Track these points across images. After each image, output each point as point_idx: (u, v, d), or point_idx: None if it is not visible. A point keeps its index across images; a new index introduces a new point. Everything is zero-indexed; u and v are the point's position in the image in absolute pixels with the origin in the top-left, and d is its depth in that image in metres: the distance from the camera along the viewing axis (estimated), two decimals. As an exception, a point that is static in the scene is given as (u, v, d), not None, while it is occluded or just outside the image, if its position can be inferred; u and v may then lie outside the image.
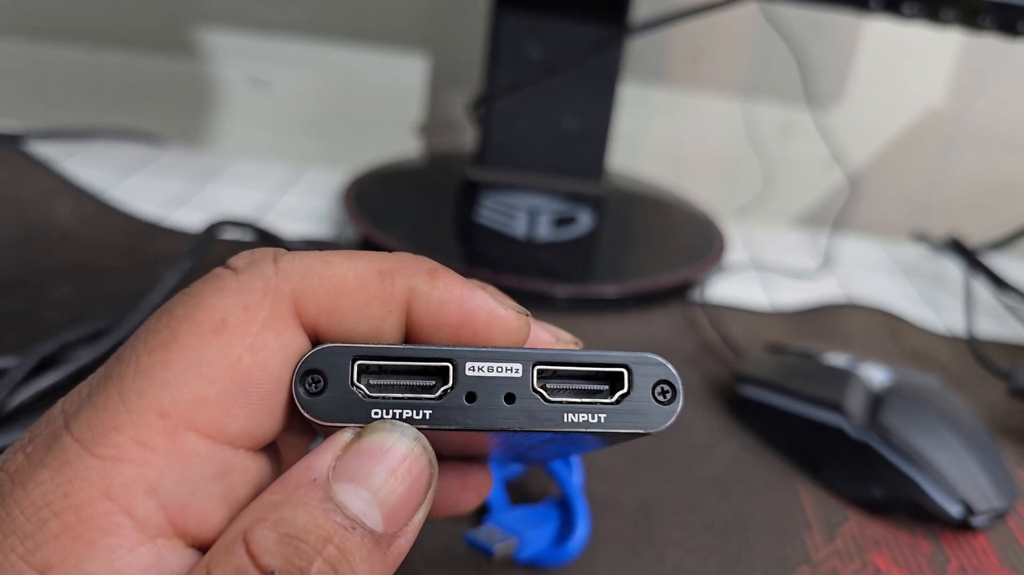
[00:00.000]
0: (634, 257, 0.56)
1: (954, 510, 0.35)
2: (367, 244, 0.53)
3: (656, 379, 0.20)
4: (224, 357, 0.19)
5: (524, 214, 0.57)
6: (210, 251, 0.48)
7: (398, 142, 0.78)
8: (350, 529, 0.18)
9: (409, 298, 0.20)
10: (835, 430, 0.38)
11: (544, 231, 0.56)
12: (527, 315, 0.21)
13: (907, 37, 0.72)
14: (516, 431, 0.20)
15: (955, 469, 0.36)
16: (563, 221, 0.57)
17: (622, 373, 0.20)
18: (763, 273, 0.60)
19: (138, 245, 0.52)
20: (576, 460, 0.35)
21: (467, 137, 0.74)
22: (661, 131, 0.77)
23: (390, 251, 0.46)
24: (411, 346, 0.20)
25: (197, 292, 0.20)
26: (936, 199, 0.80)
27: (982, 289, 0.61)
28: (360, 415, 0.19)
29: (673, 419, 0.20)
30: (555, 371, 0.20)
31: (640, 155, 0.78)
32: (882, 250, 0.67)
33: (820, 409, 0.38)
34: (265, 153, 0.78)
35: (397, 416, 0.19)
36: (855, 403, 0.38)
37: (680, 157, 0.78)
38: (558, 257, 0.53)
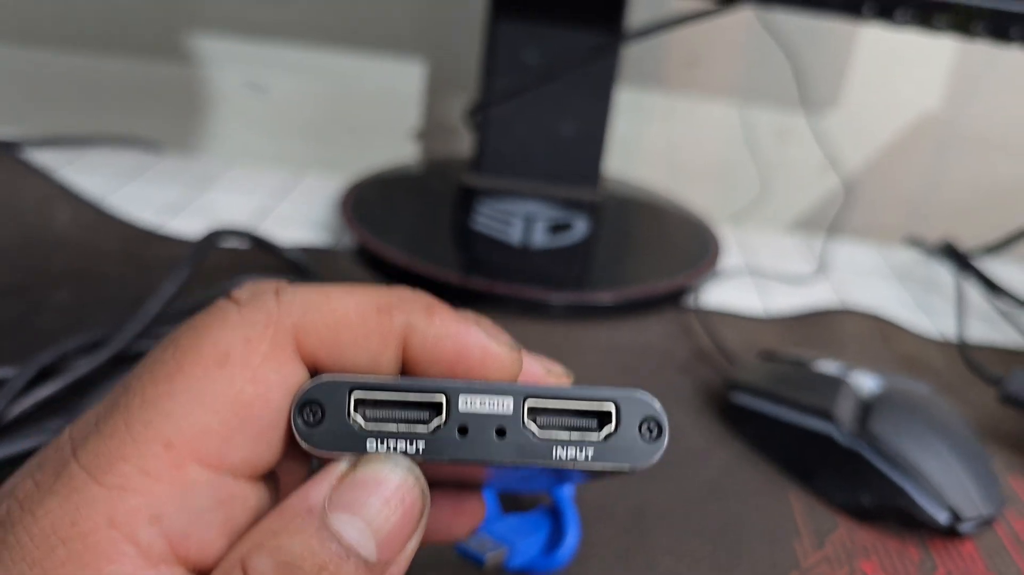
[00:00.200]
0: (629, 263, 0.56)
1: (942, 517, 0.36)
2: (363, 251, 0.54)
3: (643, 417, 0.21)
4: (227, 389, 0.19)
5: (520, 221, 0.58)
6: (208, 259, 0.49)
7: (396, 148, 0.78)
8: (345, 557, 0.19)
9: (406, 333, 0.21)
10: (825, 438, 0.38)
11: (540, 238, 0.56)
12: (519, 351, 0.22)
13: (902, 42, 0.72)
14: (506, 464, 0.20)
15: (943, 476, 0.37)
16: (559, 227, 0.58)
17: (610, 412, 0.21)
18: (758, 278, 0.60)
19: (136, 252, 0.52)
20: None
21: (464, 142, 0.74)
22: (658, 136, 0.78)
23: (386, 261, 0.47)
24: (406, 379, 0.21)
25: (202, 324, 0.20)
26: (932, 203, 0.80)
27: (975, 294, 0.62)
28: (356, 446, 0.20)
29: (658, 456, 0.21)
30: (545, 407, 0.21)
31: (637, 160, 0.78)
32: (877, 255, 0.67)
33: (810, 417, 0.39)
34: (263, 158, 0.79)
35: (392, 447, 0.20)
36: (845, 411, 0.39)
37: (677, 162, 0.79)
38: (554, 264, 0.54)
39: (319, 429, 0.20)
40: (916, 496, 0.36)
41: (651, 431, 0.21)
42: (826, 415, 0.38)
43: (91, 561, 0.18)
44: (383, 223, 0.56)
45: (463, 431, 0.20)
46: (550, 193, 0.62)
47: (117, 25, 0.76)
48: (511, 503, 0.36)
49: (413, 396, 0.20)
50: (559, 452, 0.21)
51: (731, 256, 0.63)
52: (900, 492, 0.36)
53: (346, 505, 0.19)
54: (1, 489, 0.20)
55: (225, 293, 0.21)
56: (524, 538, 0.32)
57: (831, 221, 0.69)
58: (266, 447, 0.20)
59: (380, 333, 0.21)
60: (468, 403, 0.20)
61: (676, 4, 0.57)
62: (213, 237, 0.48)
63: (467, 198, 0.61)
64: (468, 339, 0.21)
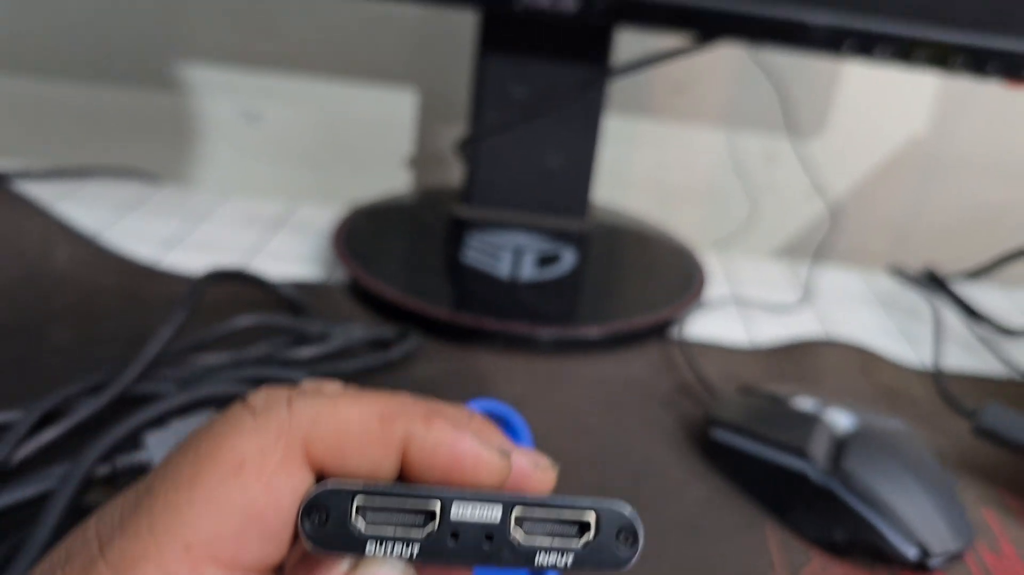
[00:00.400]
0: (616, 296, 0.58)
1: (911, 552, 0.38)
2: (355, 287, 0.55)
3: (620, 526, 0.23)
4: (241, 496, 0.21)
5: (509, 254, 0.60)
6: (205, 297, 0.50)
7: (388, 175, 0.80)
8: None
9: (406, 440, 0.23)
10: (800, 475, 0.40)
11: (528, 271, 0.58)
12: (508, 456, 0.24)
13: (887, 68, 0.74)
14: (494, 567, 0.23)
15: (913, 513, 0.38)
16: (547, 260, 0.60)
17: (589, 521, 0.23)
18: (743, 308, 0.62)
19: (134, 289, 0.54)
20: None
21: (455, 170, 0.76)
22: (646, 161, 0.80)
23: (378, 296, 0.48)
24: (404, 486, 0.23)
25: (219, 431, 0.22)
26: (917, 227, 0.82)
27: (956, 320, 0.64)
28: (356, 547, 0.22)
29: (634, 561, 0.23)
30: (530, 515, 0.23)
31: (626, 185, 0.80)
32: (861, 281, 0.69)
33: (786, 455, 0.41)
34: (258, 187, 0.80)
35: (389, 550, 0.22)
36: (819, 449, 0.40)
37: (665, 186, 0.81)
38: (542, 298, 0.55)
39: (323, 531, 0.22)
40: (886, 532, 0.38)
41: (627, 539, 0.23)
42: (801, 453, 0.40)
43: None
44: (375, 257, 0.58)
45: (455, 536, 0.22)
46: (539, 224, 0.64)
47: (113, 56, 0.78)
48: None
49: (410, 503, 0.22)
50: (542, 557, 0.23)
51: (717, 285, 0.64)
52: (871, 528, 0.38)
53: None
54: None
55: (241, 398, 0.24)
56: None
57: (816, 247, 0.71)
58: (276, 546, 0.22)
59: (382, 441, 0.23)
60: (460, 511, 0.22)
61: (658, 40, 0.59)
62: (209, 278, 0.50)
63: (457, 230, 0.62)
64: (462, 447, 0.23)
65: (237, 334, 0.48)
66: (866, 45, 0.52)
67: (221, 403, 0.39)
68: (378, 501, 0.22)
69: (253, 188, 0.80)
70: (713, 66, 0.76)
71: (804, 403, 0.43)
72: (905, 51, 0.52)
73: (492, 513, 0.22)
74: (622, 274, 0.62)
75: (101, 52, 0.78)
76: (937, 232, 0.82)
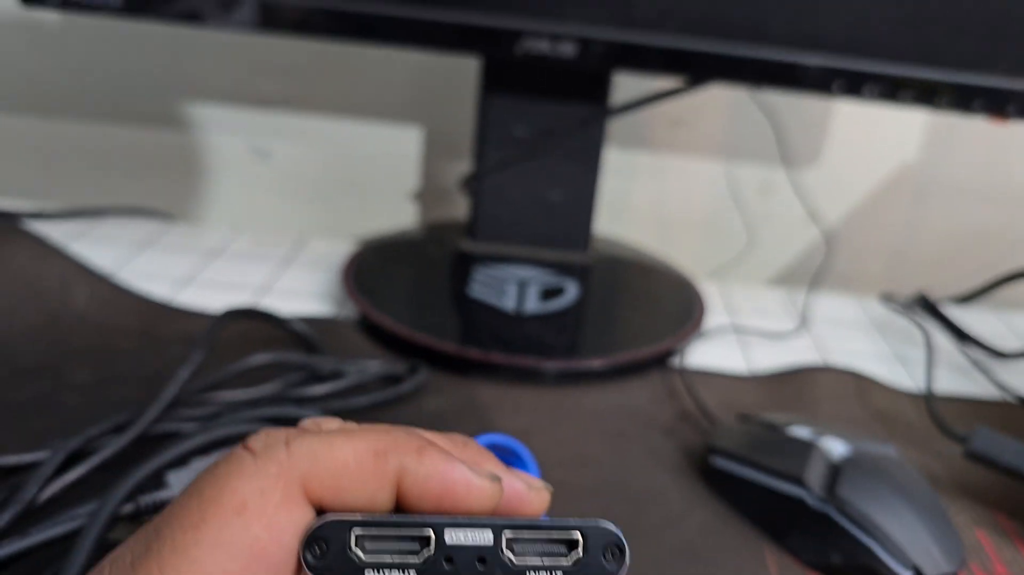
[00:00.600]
0: (618, 327, 0.59)
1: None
2: (365, 322, 0.57)
3: (606, 543, 0.24)
4: (245, 536, 0.23)
5: (514, 286, 0.61)
6: (220, 336, 0.52)
7: (395, 209, 0.82)
8: None
9: (400, 474, 0.24)
10: (797, 501, 0.41)
11: (532, 304, 0.59)
12: (499, 481, 0.25)
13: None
14: None
15: (907, 537, 0.39)
16: (551, 293, 0.61)
17: (577, 539, 0.24)
18: (742, 335, 0.63)
19: (151, 327, 0.55)
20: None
21: (461, 204, 0.78)
22: (645, 193, 0.81)
23: (387, 332, 0.49)
24: (399, 516, 0.24)
25: (223, 474, 0.24)
26: (911, 252, 0.83)
27: (949, 344, 0.65)
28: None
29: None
30: (520, 537, 0.24)
31: (626, 216, 0.81)
32: (857, 307, 0.70)
33: (783, 481, 0.42)
34: (268, 222, 0.82)
35: None
36: (815, 475, 0.42)
37: (664, 217, 0.82)
38: (546, 331, 0.57)
39: (324, 562, 0.23)
40: (882, 555, 0.39)
41: (614, 554, 0.24)
42: (798, 480, 0.41)
43: None
44: (383, 292, 0.59)
45: (449, 560, 0.24)
46: (542, 257, 0.65)
47: (125, 96, 0.80)
48: None
49: (406, 531, 0.24)
50: None
51: (716, 314, 0.66)
52: (867, 552, 0.39)
53: None
54: None
55: (241, 439, 0.25)
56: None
57: (813, 274, 0.72)
58: None
59: (376, 475, 0.24)
60: (453, 536, 0.24)
61: (655, 79, 0.60)
62: (224, 318, 0.51)
63: (463, 264, 0.64)
64: (453, 475, 0.24)
65: (252, 371, 0.49)
66: (855, 85, 0.54)
67: (239, 442, 0.40)
68: (375, 531, 0.24)
69: (264, 223, 0.82)
70: (709, 100, 0.77)
71: (800, 431, 0.44)
72: (892, 90, 0.54)
73: (483, 537, 0.24)
74: (624, 305, 0.63)
75: (114, 93, 0.80)
76: (930, 257, 0.83)
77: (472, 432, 0.47)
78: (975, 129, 0.78)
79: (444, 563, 0.24)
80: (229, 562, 0.22)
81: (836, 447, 0.43)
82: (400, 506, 0.25)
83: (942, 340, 0.66)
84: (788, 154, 0.76)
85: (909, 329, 0.67)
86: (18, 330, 0.53)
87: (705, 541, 0.42)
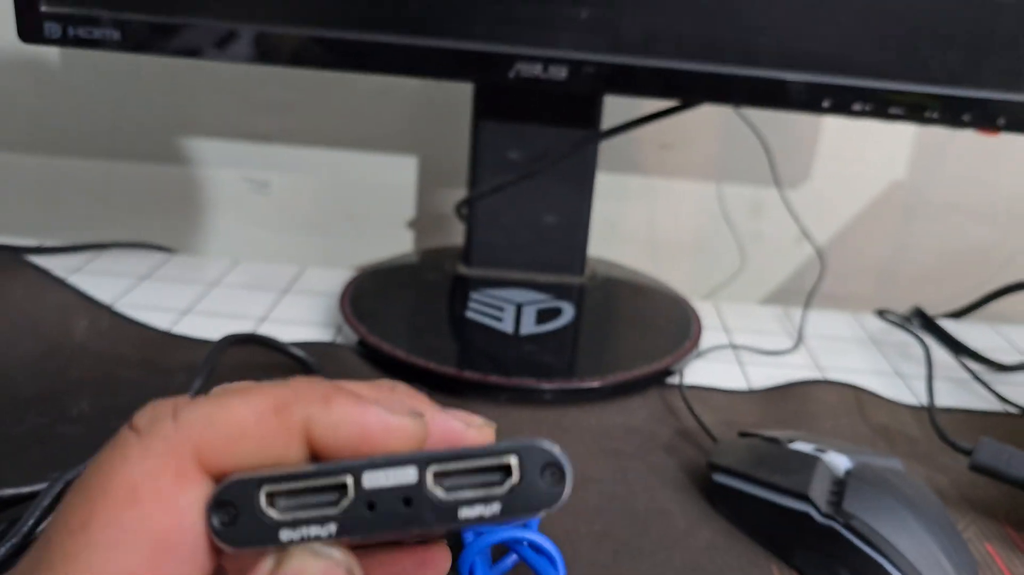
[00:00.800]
0: (615, 347, 0.58)
1: (915, 589, 0.38)
2: (364, 346, 0.56)
3: (544, 462, 0.22)
4: (141, 526, 0.20)
5: (511, 308, 0.60)
6: (220, 364, 0.51)
7: (392, 238, 0.81)
8: None
9: (307, 426, 0.22)
10: (803, 517, 0.40)
11: (529, 326, 0.58)
12: (422, 416, 0.23)
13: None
14: (420, 530, 0.21)
15: (915, 550, 0.38)
16: (547, 314, 0.60)
17: (511, 464, 0.22)
18: (739, 352, 0.62)
19: (151, 356, 0.54)
20: (558, 555, 0.37)
21: (457, 232, 0.77)
22: (638, 215, 0.81)
23: (386, 355, 0.48)
24: (312, 466, 0.21)
25: (106, 462, 0.21)
26: (903, 268, 0.83)
27: (947, 357, 0.64)
28: (271, 538, 0.21)
29: (564, 496, 0.22)
30: (448, 469, 0.22)
31: (620, 238, 0.81)
32: (853, 322, 0.69)
33: (788, 498, 0.41)
34: (266, 253, 0.81)
35: (305, 535, 0.21)
36: (820, 490, 0.40)
37: (658, 239, 0.81)
38: (544, 351, 0.56)
39: (234, 529, 0.21)
40: (891, 570, 0.38)
41: (554, 475, 0.22)
42: (803, 495, 0.40)
43: None
44: (381, 317, 0.58)
45: (371, 506, 0.21)
46: (538, 280, 0.64)
47: (125, 133, 0.79)
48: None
49: (321, 481, 0.21)
50: (466, 511, 0.21)
51: (713, 332, 0.65)
52: (876, 567, 0.38)
53: None
54: None
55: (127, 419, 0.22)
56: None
57: (807, 292, 0.71)
58: (197, 564, 0.21)
59: (281, 432, 0.21)
60: (372, 479, 0.21)
61: (646, 101, 0.60)
62: (223, 344, 0.50)
63: (460, 288, 0.63)
64: (367, 419, 0.22)
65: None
66: (844, 102, 0.53)
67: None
68: (286, 485, 0.21)
69: (262, 254, 0.81)
70: (699, 122, 0.77)
71: (803, 446, 0.43)
72: (882, 106, 0.53)
73: (406, 475, 0.21)
74: (621, 325, 0.62)
75: (114, 129, 0.79)
76: (922, 273, 0.82)
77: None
78: (963, 146, 0.78)
79: (367, 510, 0.21)
80: (130, 559, 0.19)
81: (840, 461, 0.42)
82: (316, 458, 0.22)
83: (940, 354, 0.65)
84: (778, 174, 0.75)
85: (906, 344, 0.66)
86: (18, 361, 0.52)
87: (711, 560, 0.41)
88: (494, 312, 0.60)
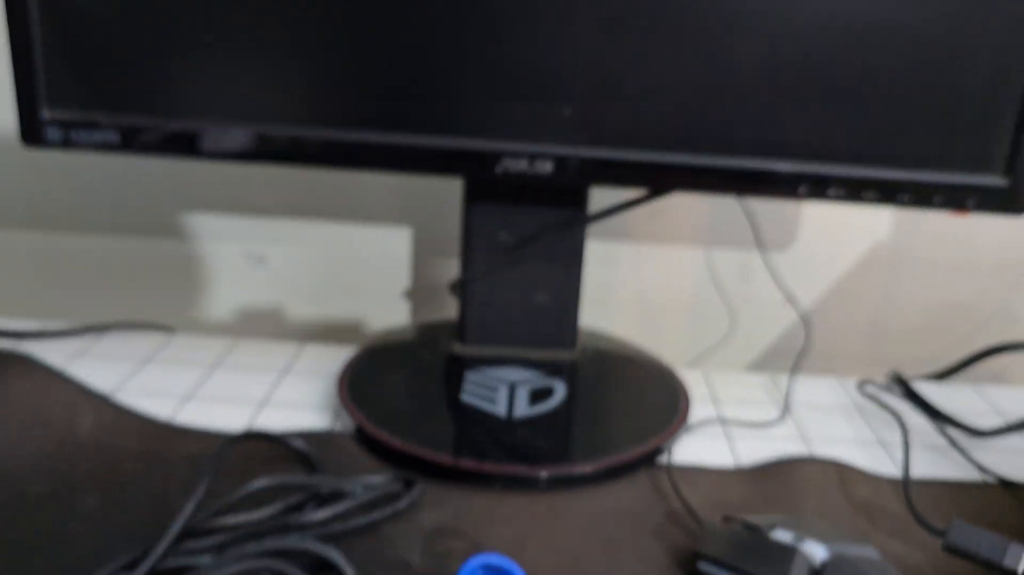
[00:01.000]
0: (606, 427, 0.60)
1: None
2: (361, 433, 0.58)
3: None
4: None
5: (504, 389, 0.62)
6: (222, 467, 0.53)
7: (390, 308, 0.83)
8: None
9: None
10: (783, 609, 0.42)
11: (522, 408, 0.60)
12: None
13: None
14: None
15: (890, 641, 0.40)
16: (540, 394, 0.62)
17: None
18: (727, 426, 0.64)
19: (155, 449, 0.56)
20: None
21: (452, 301, 0.79)
22: (629, 281, 0.83)
23: (382, 443, 0.50)
24: None
25: None
26: (888, 327, 0.85)
27: (928, 424, 0.66)
28: None
29: None
30: None
31: (611, 305, 0.83)
32: (838, 387, 0.72)
33: (768, 590, 0.43)
34: (267, 326, 0.83)
35: None
36: (799, 583, 0.42)
37: (648, 304, 0.84)
38: (537, 436, 0.58)
39: None
40: (866, 662, 0.40)
41: None
42: (782, 588, 0.42)
43: None
44: (378, 403, 0.60)
45: None
46: (531, 357, 0.66)
47: (124, 210, 0.81)
48: None
49: None
50: None
51: (702, 405, 0.67)
52: (852, 659, 0.40)
53: None
54: None
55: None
56: None
57: (794, 359, 0.73)
58: None
59: None
60: None
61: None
62: (226, 446, 0.52)
63: (455, 367, 0.65)
64: None
65: (254, 495, 0.50)
66: (820, 188, 0.56)
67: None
68: None
69: (262, 327, 0.83)
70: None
71: (783, 535, 0.45)
72: (856, 191, 0.55)
73: None
74: (611, 402, 0.64)
75: (113, 207, 0.82)
76: (907, 330, 0.85)
77: (467, 547, 0.48)
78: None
79: None
80: None
81: (817, 551, 0.44)
82: None
83: (920, 421, 0.67)
84: (763, 239, 0.78)
85: (888, 409, 0.68)
86: (26, 459, 0.54)
87: (697, 650, 0.43)
88: (488, 393, 0.62)
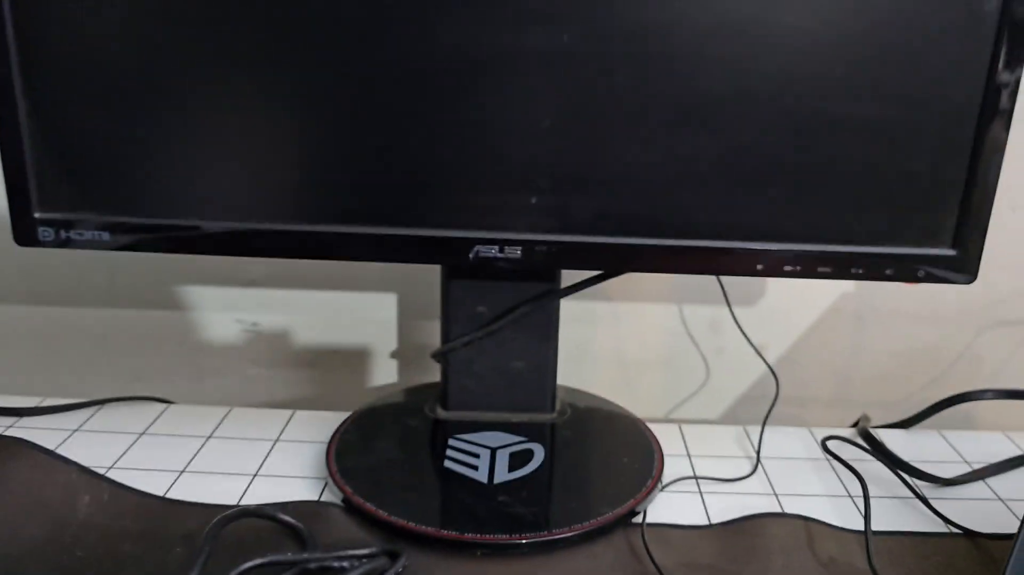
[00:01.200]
0: (584, 490, 0.62)
1: None
2: (348, 504, 0.60)
3: None
4: None
5: (486, 457, 0.64)
6: (216, 547, 0.55)
7: (379, 368, 0.85)
8: None
9: None
10: None
11: (503, 472, 0.62)
12: None
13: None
14: None
15: None
16: (520, 457, 0.64)
17: None
18: (700, 482, 0.66)
19: (151, 528, 0.58)
20: None
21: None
22: (605, 339, 0.85)
23: (368, 514, 0.51)
24: None
25: None
26: (857, 372, 0.87)
27: (892, 476, 0.68)
28: None
29: None
30: None
31: (588, 361, 0.85)
32: (808, 437, 0.74)
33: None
34: (260, 390, 0.85)
35: None
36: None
37: (626, 358, 0.86)
38: (517, 502, 0.59)
39: None
40: None
41: None
42: (747, 657, 0.44)
43: None
44: (364, 475, 0.62)
45: None
46: (511, 420, 0.68)
47: (120, 283, 0.83)
48: None
49: None
50: None
51: (676, 460, 0.69)
52: None
53: None
54: None
55: None
56: None
57: (767, 410, 0.75)
58: None
59: None
60: None
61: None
62: (217, 527, 0.54)
63: (439, 433, 0.67)
64: None
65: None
66: (776, 265, 0.58)
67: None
68: None
69: (256, 392, 0.85)
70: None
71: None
72: (811, 267, 0.58)
73: None
74: (588, 464, 0.66)
75: (107, 280, 0.83)
76: (875, 375, 0.87)
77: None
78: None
79: None
80: None
81: (781, 620, 0.46)
82: None
83: (886, 472, 0.69)
84: (734, 291, 0.80)
85: (855, 462, 0.70)
86: (25, 545, 0.55)
87: None
88: (470, 460, 0.64)
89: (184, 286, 0.83)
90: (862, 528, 0.61)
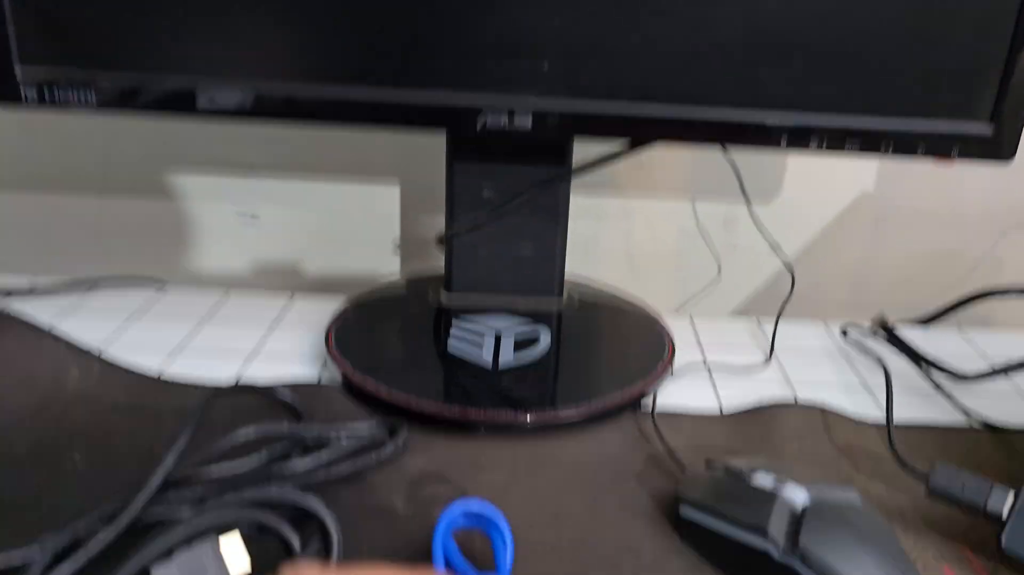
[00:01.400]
0: (591, 374, 0.59)
1: (869, 622, 0.39)
2: (347, 383, 0.57)
3: None
4: None
5: (490, 338, 0.61)
6: (209, 414, 0.52)
7: (378, 260, 0.82)
8: None
9: None
10: (763, 553, 0.41)
11: (508, 356, 0.59)
12: None
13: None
14: None
15: (869, 583, 0.39)
16: (525, 343, 0.61)
17: None
18: (712, 372, 0.63)
19: (143, 402, 0.55)
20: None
21: (441, 255, 0.78)
22: (615, 233, 0.81)
23: (367, 392, 0.49)
24: None
25: None
26: (873, 276, 0.83)
27: (912, 369, 0.65)
28: None
29: None
30: None
31: (597, 257, 0.81)
32: (824, 332, 0.70)
33: (748, 533, 0.42)
34: (257, 280, 0.82)
35: None
36: (778, 526, 0.41)
37: (634, 255, 0.82)
38: (522, 383, 0.56)
39: None
40: (846, 604, 0.39)
41: None
42: (762, 531, 0.41)
43: None
44: (365, 354, 0.59)
45: None
46: (516, 306, 0.65)
47: (115, 169, 0.80)
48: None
49: None
50: None
51: (687, 350, 0.66)
52: (832, 601, 0.39)
53: None
54: None
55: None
56: None
57: (780, 307, 0.72)
58: None
59: None
60: None
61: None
62: (211, 398, 0.51)
63: (442, 317, 0.64)
64: None
65: (240, 446, 0.49)
66: (802, 138, 0.54)
67: (223, 530, 0.40)
68: None
69: (254, 282, 0.82)
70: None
71: (764, 479, 0.44)
72: (839, 141, 0.54)
73: None
74: (596, 349, 0.63)
75: (104, 166, 0.80)
76: (893, 278, 0.83)
77: (451, 494, 0.47)
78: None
79: None
80: None
81: (798, 495, 0.43)
82: None
83: (905, 365, 0.65)
84: (748, 191, 0.76)
85: (873, 354, 0.67)
86: (11, 417, 0.52)
87: (678, 594, 0.42)
88: (474, 343, 0.60)
89: (180, 174, 0.79)
90: (881, 418, 0.58)
